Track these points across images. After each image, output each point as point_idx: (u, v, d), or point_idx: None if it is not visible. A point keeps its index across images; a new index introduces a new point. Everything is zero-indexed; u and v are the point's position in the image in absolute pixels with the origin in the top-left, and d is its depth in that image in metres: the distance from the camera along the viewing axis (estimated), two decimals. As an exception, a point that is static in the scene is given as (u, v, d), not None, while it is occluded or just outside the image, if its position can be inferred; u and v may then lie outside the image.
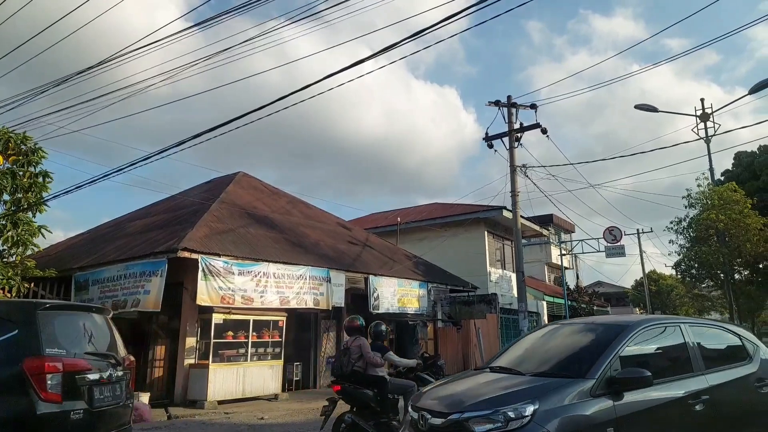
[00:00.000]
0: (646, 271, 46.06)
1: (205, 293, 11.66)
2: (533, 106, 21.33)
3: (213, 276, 11.81)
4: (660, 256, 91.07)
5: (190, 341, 12.34)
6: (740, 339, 5.16)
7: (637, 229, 42.31)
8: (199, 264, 11.52)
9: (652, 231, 40.98)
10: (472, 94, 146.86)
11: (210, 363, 11.86)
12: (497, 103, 21.47)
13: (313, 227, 18.03)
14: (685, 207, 16.91)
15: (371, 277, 16.03)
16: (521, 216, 22.16)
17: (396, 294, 16.91)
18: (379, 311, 16.10)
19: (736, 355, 5.01)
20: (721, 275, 19.13)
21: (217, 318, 12.15)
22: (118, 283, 12.63)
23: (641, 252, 44.35)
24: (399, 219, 24.69)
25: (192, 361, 12.26)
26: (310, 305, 13.70)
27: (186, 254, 11.36)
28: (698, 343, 4.70)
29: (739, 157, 20.92)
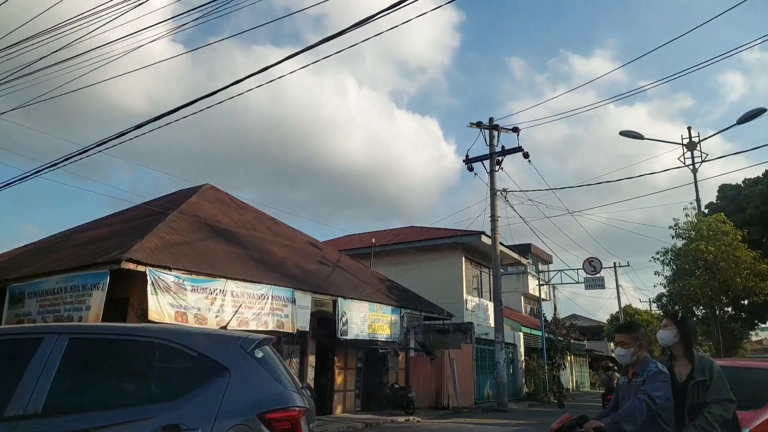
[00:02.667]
0: (622, 306, 45.64)
1: (157, 309, 10.42)
2: (515, 130, 20.79)
3: (163, 291, 10.59)
4: (635, 291, 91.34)
5: (133, 364, 11.01)
6: (196, 364, 3.20)
7: (614, 263, 41.95)
8: (148, 277, 10.32)
9: (629, 265, 40.63)
10: (453, 126, 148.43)
11: (152, 390, 10.54)
12: (479, 124, 20.90)
13: (281, 244, 16.90)
14: (672, 237, 16.31)
15: (340, 299, 14.92)
16: (500, 243, 21.40)
17: (367, 319, 15.80)
18: (348, 337, 14.97)
19: (148, 388, 3.27)
20: (703, 310, 18.50)
21: (163, 339, 10.87)
22: (59, 297, 11.34)
23: (618, 286, 43.96)
24: (373, 240, 23.68)
25: (133, 386, 10.93)
26: (272, 327, 12.49)
27: (131, 266, 10.16)
28: (63, 371, 3.08)
29: (723, 189, 20.57)
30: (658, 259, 16.24)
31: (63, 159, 7.60)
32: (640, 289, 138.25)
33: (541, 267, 37.22)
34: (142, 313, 10.59)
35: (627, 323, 4.17)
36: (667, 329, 3.99)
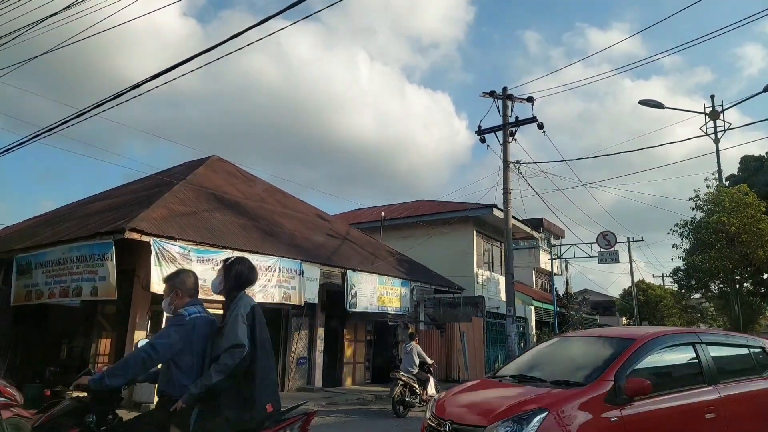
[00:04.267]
0: (635, 281, 45.16)
1: (160, 281, 10.26)
2: (530, 99, 20.10)
3: (168, 262, 10.40)
4: (647, 266, 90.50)
5: (140, 335, 10.91)
6: None
7: (628, 237, 41.41)
8: (152, 248, 10.13)
9: (642, 240, 40.03)
10: (465, 101, 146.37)
11: (159, 361, 10.46)
12: (492, 93, 20.23)
13: (290, 216, 16.66)
14: (692, 209, 15.80)
15: (349, 272, 14.71)
16: (512, 216, 20.96)
17: (376, 292, 15.60)
18: (357, 309, 14.80)
19: None
20: (720, 285, 18.12)
21: (169, 310, 10.74)
22: (66, 267, 11.21)
23: (631, 260, 43.46)
24: (383, 214, 23.37)
25: (140, 357, 10.84)
26: (278, 300, 12.32)
27: (135, 236, 9.96)
28: None
29: (745, 161, 19.91)
30: (676, 231, 15.79)
31: (60, 123, 7.32)
32: (652, 263, 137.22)
33: (553, 241, 36.80)
34: (148, 285, 10.45)
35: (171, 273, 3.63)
36: (217, 276, 3.62)
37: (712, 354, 4.79)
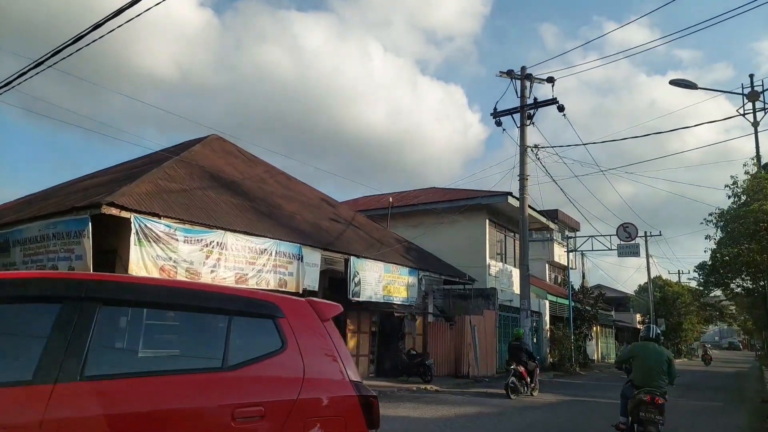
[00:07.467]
0: (651, 277, 43.77)
1: (140, 262, 9.30)
2: (550, 80, 18.90)
3: (150, 242, 9.44)
4: (662, 262, 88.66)
5: (120, 322, 9.96)
6: None
7: (645, 232, 39.97)
8: (132, 225, 9.16)
9: (660, 234, 38.57)
10: (478, 94, 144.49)
11: (140, 350, 9.51)
12: (510, 73, 19.06)
13: (291, 199, 15.64)
14: (729, 197, 14.54)
15: (353, 258, 13.69)
16: (528, 205, 19.82)
17: (381, 280, 14.57)
18: (360, 299, 13.79)
19: None
20: (747, 282, 16.94)
21: (152, 294, 9.77)
22: (42, 245, 10.34)
23: (648, 255, 42.02)
24: (390, 200, 22.28)
25: (121, 346, 9.89)
26: (273, 286, 11.33)
27: (114, 211, 8.99)
28: None
29: (782, 147, 18.57)
30: (711, 221, 14.56)
31: (17, 75, 6.32)
32: (668, 258, 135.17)
33: (568, 234, 35.55)
34: (128, 266, 9.49)
35: None
36: None
37: (99, 325, 2.39)
